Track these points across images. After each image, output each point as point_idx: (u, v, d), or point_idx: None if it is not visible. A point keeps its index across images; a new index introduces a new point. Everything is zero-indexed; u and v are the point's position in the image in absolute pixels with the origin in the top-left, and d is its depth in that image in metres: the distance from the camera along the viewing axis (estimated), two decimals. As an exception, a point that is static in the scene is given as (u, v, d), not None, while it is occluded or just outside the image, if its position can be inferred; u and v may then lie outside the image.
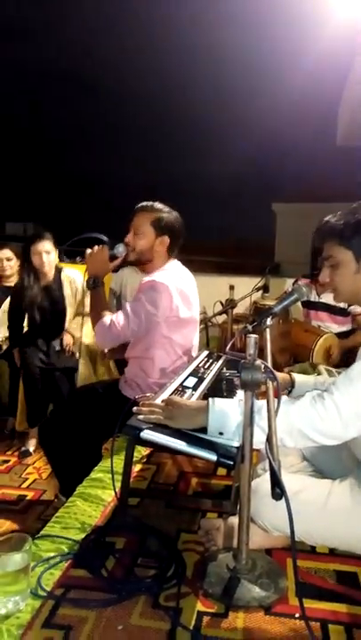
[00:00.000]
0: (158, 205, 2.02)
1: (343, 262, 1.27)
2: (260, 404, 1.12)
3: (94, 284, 2.02)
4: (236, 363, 1.24)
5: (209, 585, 1.15)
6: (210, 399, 1.20)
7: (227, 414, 1.16)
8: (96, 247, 2.03)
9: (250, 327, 1.36)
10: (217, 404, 1.18)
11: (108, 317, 1.93)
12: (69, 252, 3.91)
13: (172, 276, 1.97)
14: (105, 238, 2.08)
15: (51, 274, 3.10)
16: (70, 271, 3.22)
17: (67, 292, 3.14)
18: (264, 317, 1.35)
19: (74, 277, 3.18)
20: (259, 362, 1.09)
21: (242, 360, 1.11)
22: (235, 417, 1.15)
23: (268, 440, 0.98)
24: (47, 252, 3.00)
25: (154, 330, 1.94)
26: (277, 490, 0.90)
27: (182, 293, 1.97)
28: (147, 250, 2.00)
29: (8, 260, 3.45)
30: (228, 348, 1.69)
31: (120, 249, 2.01)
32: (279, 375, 1.45)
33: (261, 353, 1.16)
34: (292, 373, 1.54)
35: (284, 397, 1.18)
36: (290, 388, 1.50)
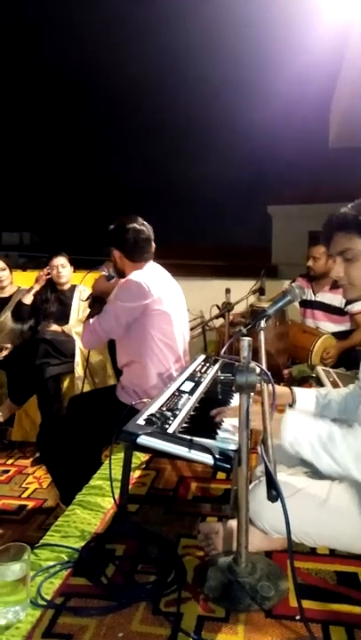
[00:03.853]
0: (116, 222, 2.13)
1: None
2: (333, 431, 1.15)
3: (96, 300, 2.24)
4: (232, 366, 1.24)
5: (209, 589, 1.15)
6: (287, 411, 1.22)
7: (300, 434, 1.18)
8: (103, 272, 2.24)
9: (244, 330, 1.36)
10: (291, 419, 1.19)
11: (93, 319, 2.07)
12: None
13: (147, 274, 2.04)
14: (104, 270, 2.26)
15: (66, 285, 3.53)
16: (83, 287, 3.55)
17: (74, 302, 3.48)
18: (258, 320, 1.35)
19: (83, 290, 3.51)
20: (253, 364, 1.09)
21: (237, 363, 1.11)
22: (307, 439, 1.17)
23: (263, 442, 0.98)
24: (62, 266, 3.46)
25: (137, 330, 1.97)
26: (273, 492, 0.90)
27: (159, 288, 2.01)
28: (116, 264, 2.16)
29: (2, 269, 3.47)
30: (223, 351, 1.69)
31: (111, 271, 2.21)
32: (279, 389, 1.47)
33: (256, 355, 1.16)
34: (292, 388, 1.54)
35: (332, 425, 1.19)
36: (290, 403, 1.50)
